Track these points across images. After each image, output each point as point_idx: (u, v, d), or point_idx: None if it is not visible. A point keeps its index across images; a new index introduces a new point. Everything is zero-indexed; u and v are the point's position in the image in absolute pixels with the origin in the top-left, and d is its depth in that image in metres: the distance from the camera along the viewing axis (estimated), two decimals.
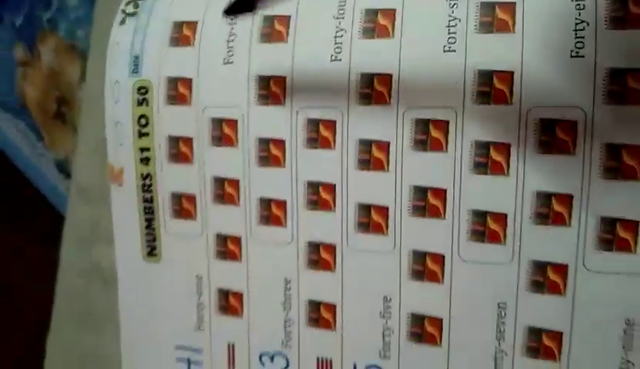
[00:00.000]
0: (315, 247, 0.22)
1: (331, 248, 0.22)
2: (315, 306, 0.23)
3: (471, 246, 0.20)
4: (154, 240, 0.25)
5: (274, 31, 0.22)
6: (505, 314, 0.20)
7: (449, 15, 0.20)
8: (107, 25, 0.26)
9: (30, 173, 0.68)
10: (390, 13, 0.21)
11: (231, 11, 0.22)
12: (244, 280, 0.24)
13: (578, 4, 0.19)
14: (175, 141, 0.24)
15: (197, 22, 0.23)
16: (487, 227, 0.20)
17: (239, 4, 0.22)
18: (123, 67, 0.25)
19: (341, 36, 0.21)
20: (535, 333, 0.20)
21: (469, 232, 0.20)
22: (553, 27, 0.19)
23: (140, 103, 0.24)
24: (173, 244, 0.25)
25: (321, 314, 0.23)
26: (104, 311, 0.28)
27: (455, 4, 0.20)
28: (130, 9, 0.25)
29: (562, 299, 0.20)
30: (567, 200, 0.19)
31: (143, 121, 0.24)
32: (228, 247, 0.24)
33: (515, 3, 0.19)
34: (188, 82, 0.23)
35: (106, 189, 0.26)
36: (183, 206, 0.24)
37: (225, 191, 0.23)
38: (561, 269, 0.19)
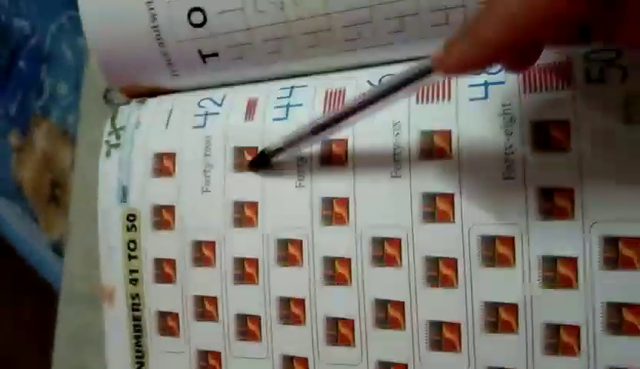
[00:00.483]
0: (289, 360, 0.24)
1: (304, 361, 0.23)
2: None
3: (430, 355, 0.22)
4: (142, 356, 0.27)
5: (244, 162, 0.25)
6: None
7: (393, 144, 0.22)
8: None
9: (27, 255, 0.69)
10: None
11: (252, 165, 0.24)
12: None
13: (508, 130, 0.21)
14: (159, 262, 0.26)
15: (175, 153, 0.26)
16: (442, 336, 0.21)
17: (259, 161, 0.24)
18: (112, 197, 0.27)
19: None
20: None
21: (428, 342, 0.22)
22: (486, 153, 0.21)
23: (129, 229, 0.27)
24: (160, 361, 0.26)
25: None
26: None
27: None
28: (113, 140, 0.28)
29: None
30: (512, 308, 0.21)
31: (132, 245, 0.27)
32: (208, 362, 0.25)
33: (450, 131, 0.22)
34: (171, 209, 0.26)
35: (95, 296, 0.28)
36: (167, 324, 0.26)
37: (205, 308, 0.25)
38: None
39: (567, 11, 0.14)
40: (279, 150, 0.23)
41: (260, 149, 0.24)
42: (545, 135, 0.20)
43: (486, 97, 0.22)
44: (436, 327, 0.22)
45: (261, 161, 0.24)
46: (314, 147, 0.23)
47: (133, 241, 0.26)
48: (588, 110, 0.20)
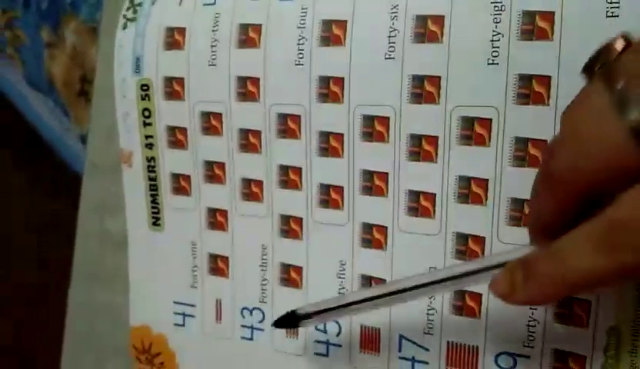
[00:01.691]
0: (286, 219, 0.27)
1: (299, 220, 0.26)
2: (286, 269, 0.27)
3: (407, 220, 0.24)
4: (158, 212, 0.30)
5: (248, 38, 0.26)
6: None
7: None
8: (113, 25, 0.30)
9: (58, 146, 0.73)
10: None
11: (278, 325, 0.24)
12: (229, 247, 0.28)
13: (495, 18, 0.22)
14: (172, 130, 0.28)
15: (185, 28, 0.28)
16: (420, 204, 0.24)
17: (285, 321, 0.24)
18: (128, 67, 0.29)
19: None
20: (459, 293, 0.24)
21: (406, 208, 0.24)
22: (473, 38, 0.22)
23: (143, 98, 0.29)
24: (173, 216, 0.29)
25: (291, 276, 0.27)
26: (114, 270, 0.33)
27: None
28: (130, 15, 0.29)
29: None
30: (483, 183, 0.23)
31: (147, 113, 0.29)
32: (216, 219, 0.28)
33: (443, 16, 0.23)
34: (180, 81, 0.28)
35: (115, 167, 0.31)
36: (180, 184, 0.29)
37: (214, 172, 0.28)
38: (480, 240, 0.23)
39: None
40: (308, 315, 0.23)
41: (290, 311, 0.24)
42: (531, 25, 0.22)
43: None
44: (414, 195, 0.24)
45: (288, 322, 0.24)
46: (315, 23, 0.25)
47: (147, 109, 0.29)
48: (575, 1, 0.21)
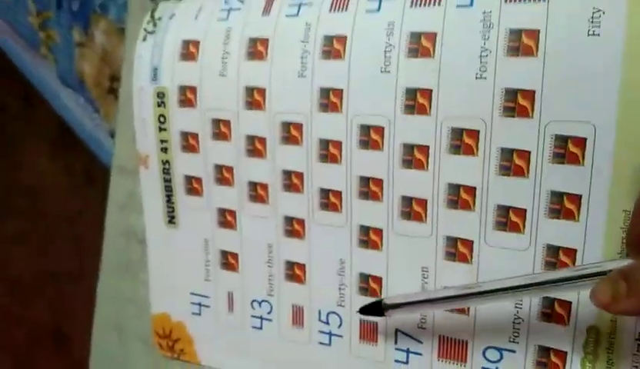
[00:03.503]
0: (289, 220, 0.28)
1: (301, 222, 0.28)
2: (290, 266, 0.29)
3: (401, 223, 0.25)
4: (173, 211, 0.31)
5: (256, 51, 0.27)
6: (427, 276, 0.25)
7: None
8: (136, 38, 0.31)
9: (89, 141, 0.75)
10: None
11: (363, 312, 0.25)
12: (238, 244, 0.30)
13: (484, 35, 0.23)
14: (185, 135, 0.30)
15: (199, 41, 0.29)
16: (412, 209, 0.25)
17: (372, 308, 0.25)
18: (145, 76, 0.30)
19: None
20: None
21: (400, 213, 0.25)
22: (463, 53, 0.23)
23: (159, 105, 0.30)
24: (187, 215, 0.31)
25: (294, 272, 0.29)
26: (139, 263, 0.35)
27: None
28: (150, 28, 0.31)
29: (469, 266, 0.24)
30: (471, 191, 0.24)
31: (162, 119, 0.30)
32: (226, 218, 0.30)
33: (435, 33, 0.24)
34: (193, 90, 0.29)
35: (138, 169, 0.32)
36: (193, 186, 0.30)
37: (223, 175, 0.29)
38: (469, 243, 0.24)
39: None
40: (396, 306, 0.24)
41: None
42: (518, 42, 0.22)
43: (471, 5, 0.23)
44: (407, 201, 0.25)
45: (374, 310, 0.25)
46: (317, 38, 0.26)
47: (163, 116, 0.30)
48: (559, 20, 0.22)
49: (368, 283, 0.27)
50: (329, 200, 0.27)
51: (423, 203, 0.25)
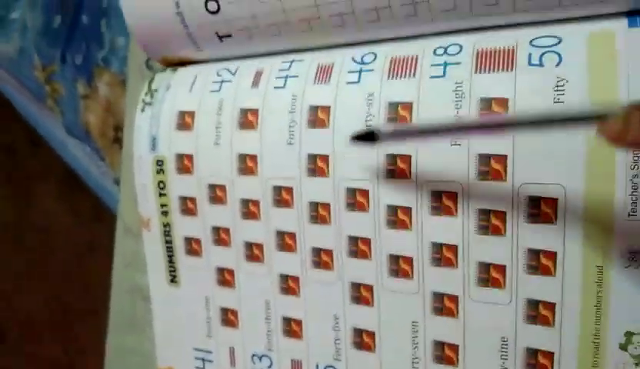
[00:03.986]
0: (284, 278, 0.29)
1: (296, 279, 0.29)
2: (287, 322, 0.30)
3: (390, 280, 0.27)
4: (174, 271, 0.33)
5: (247, 121, 0.29)
6: (417, 330, 0.26)
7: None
8: (135, 107, 0.33)
9: (96, 188, 0.77)
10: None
11: (356, 139, 0.25)
12: (237, 301, 0.31)
13: (457, 104, 0.24)
14: (183, 200, 0.31)
15: (194, 112, 0.31)
16: (399, 266, 0.26)
17: (365, 136, 0.24)
18: (145, 145, 0.32)
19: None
20: (439, 345, 0.26)
21: (388, 270, 0.26)
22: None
23: (158, 172, 0.32)
24: (188, 274, 0.32)
25: (292, 327, 0.30)
26: (144, 320, 0.36)
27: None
28: (148, 99, 0.32)
29: (456, 320, 0.26)
30: (453, 249, 0.25)
31: (162, 184, 0.32)
32: (225, 277, 0.31)
33: (411, 103, 0.25)
34: (190, 158, 0.31)
35: (141, 230, 0.34)
36: (192, 246, 0.32)
37: (220, 236, 0.31)
38: (454, 298, 0.25)
39: None
40: (389, 134, 0.24)
41: (366, 127, 0.25)
42: (488, 110, 0.24)
43: (444, 75, 0.25)
44: (394, 259, 0.26)
45: (367, 137, 0.24)
46: (304, 108, 0.27)
47: (162, 182, 0.32)
48: (526, 89, 0.23)
49: (362, 337, 0.28)
50: (321, 258, 0.28)
51: (409, 261, 0.26)
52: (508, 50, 0.24)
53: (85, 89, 0.71)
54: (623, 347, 0.23)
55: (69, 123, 0.76)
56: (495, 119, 0.23)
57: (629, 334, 0.23)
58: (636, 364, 0.23)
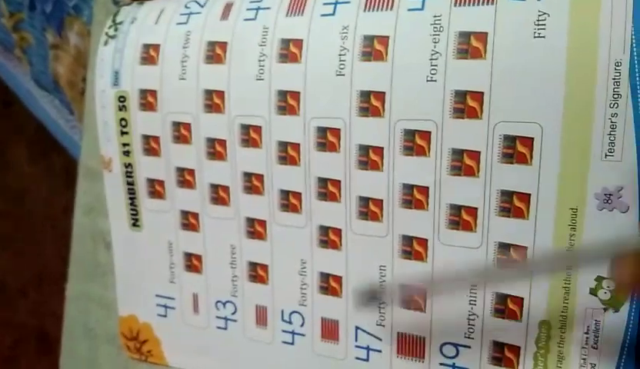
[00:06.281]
0: (251, 221, 0.28)
1: (263, 223, 0.27)
2: (252, 266, 0.28)
3: (359, 223, 0.25)
4: (136, 214, 0.31)
5: (214, 55, 0.27)
6: (384, 274, 0.25)
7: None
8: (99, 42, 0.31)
9: (65, 142, 0.74)
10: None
11: (361, 302, 0.25)
12: (202, 246, 0.29)
13: (434, 38, 0.23)
14: (147, 138, 0.29)
15: (159, 45, 0.28)
16: (369, 209, 0.25)
17: (367, 298, 0.25)
18: (107, 80, 0.30)
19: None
20: (406, 288, 0.25)
21: (357, 213, 0.25)
22: (414, 57, 0.23)
23: (120, 109, 0.30)
24: (150, 218, 0.30)
25: (257, 272, 0.28)
26: (106, 267, 0.34)
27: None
28: (111, 32, 0.30)
29: (424, 264, 0.24)
30: (424, 190, 0.24)
31: (123, 122, 0.30)
32: (189, 220, 0.29)
33: (388, 37, 0.23)
34: (154, 93, 0.28)
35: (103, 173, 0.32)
36: (155, 189, 0.30)
37: (185, 178, 0.29)
38: (423, 242, 0.24)
39: None
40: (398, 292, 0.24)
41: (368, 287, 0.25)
42: (467, 44, 0.22)
43: (422, 8, 0.23)
44: (364, 201, 0.25)
45: (369, 298, 0.25)
46: (274, 41, 0.25)
47: (124, 119, 0.30)
48: (506, 23, 0.22)
49: (329, 282, 0.27)
50: (289, 201, 0.27)
51: (379, 203, 0.25)
52: None
53: (54, 38, 0.67)
54: (593, 292, 0.22)
55: (38, 73, 0.72)
56: (510, 267, 0.22)
57: (600, 279, 0.22)
58: (605, 309, 0.22)
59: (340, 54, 0.24)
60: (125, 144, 0.30)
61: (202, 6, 0.28)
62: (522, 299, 0.23)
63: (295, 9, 0.26)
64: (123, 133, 0.30)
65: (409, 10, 0.23)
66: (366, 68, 0.24)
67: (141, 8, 0.30)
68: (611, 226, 0.21)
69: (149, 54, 0.28)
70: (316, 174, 0.26)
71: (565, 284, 0.22)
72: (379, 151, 0.24)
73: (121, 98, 0.29)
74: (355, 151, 0.25)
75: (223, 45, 0.27)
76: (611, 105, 0.20)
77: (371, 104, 0.24)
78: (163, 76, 0.28)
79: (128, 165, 0.30)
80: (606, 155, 0.21)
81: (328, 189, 0.25)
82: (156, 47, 0.28)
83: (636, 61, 0.20)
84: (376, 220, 0.25)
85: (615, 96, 0.20)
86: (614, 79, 0.20)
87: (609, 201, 0.21)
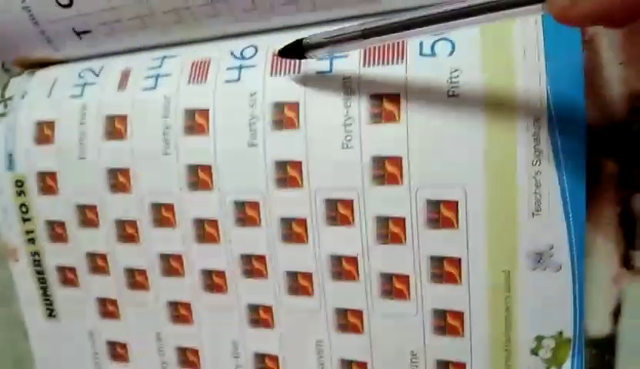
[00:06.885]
0: (174, 305, 0.25)
1: (187, 306, 0.25)
2: (182, 352, 0.26)
3: (288, 298, 0.23)
4: (51, 304, 0.28)
5: (114, 130, 0.24)
6: (323, 350, 0.24)
7: None
8: None
9: None
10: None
11: (283, 54, 0.21)
12: (126, 333, 0.27)
13: (346, 102, 0.21)
14: (51, 224, 0.26)
15: (54, 122, 0.26)
16: (298, 283, 0.23)
17: (293, 49, 0.21)
18: (1, 164, 0.27)
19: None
20: (347, 364, 0.23)
21: (286, 288, 0.23)
22: (327, 123, 0.21)
23: (19, 194, 0.27)
24: (66, 307, 0.28)
25: (188, 358, 0.26)
26: (28, 358, 0.31)
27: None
28: (1, 109, 0.27)
29: (362, 336, 0.23)
30: (353, 260, 0.22)
31: (24, 208, 0.27)
32: (108, 308, 0.27)
33: (297, 103, 0.22)
34: (53, 175, 0.26)
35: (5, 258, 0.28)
36: (67, 276, 0.27)
37: (97, 263, 0.26)
38: (358, 313, 0.23)
39: None
40: (319, 45, 0.20)
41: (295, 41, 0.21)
42: (379, 107, 0.21)
43: (331, 71, 0.22)
44: (292, 275, 0.23)
45: (295, 51, 0.21)
46: (178, 112, 0.23)
47: (24, 205, 0.27)
48: (418, 83, 0.21)
49: (265, 362, 0.25)
50: (213, 281, 0.24)
51: (308, 276, 0.23)
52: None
53: None
54: (534, 352, 0.21)
55: None
56: (427, 12, 0.17)
57: (539, 338, 0.21)
58: (547, 368, 0.21)
59: (250, 123, 0.22)
60: (28, 232, 0.27)
61: (97, 75, 0.25)
62: (464, 364, 0.22)
63: (198, 76, 0.23)
64: (25, 220, 0.27)
65: (318, 73, 0.22)
66: (279, 137, 0.22)
67: (32, 80, 0.27)
68: (545, 286, 0.20)
69: (44, 133, 0.26)
70: (239, 251, 0.24)
71: (505, 346, 0.21)
72: (302, 222, 0.22)
73: (19, 183, 0.26)
74: (277, 224, 0.23)
75: (123, 119, 0.24)
76: (534, 163, 0.19)
77: (288, 174, 0.22)
78: (61, 156, 0.25)
79: (35, 253, 0.27)
80: (533, 214, 0.20)
81: (253, 266, 0.24)
82: (50, 124, 0.26)
83: (554, 116, 0.19)
84: (307, 294, 0.23)
85: (537, 153, 0.19)
86: (533, 136, 0.19)
87: (541, 261, 0.20)
